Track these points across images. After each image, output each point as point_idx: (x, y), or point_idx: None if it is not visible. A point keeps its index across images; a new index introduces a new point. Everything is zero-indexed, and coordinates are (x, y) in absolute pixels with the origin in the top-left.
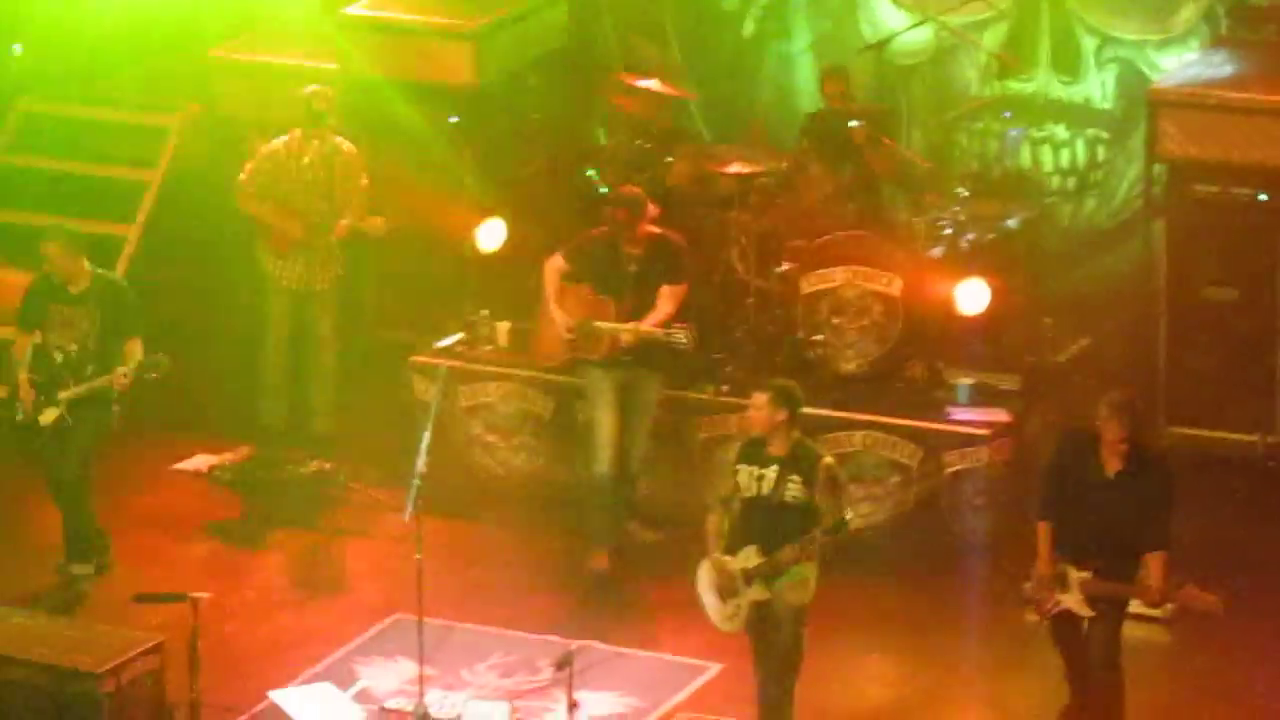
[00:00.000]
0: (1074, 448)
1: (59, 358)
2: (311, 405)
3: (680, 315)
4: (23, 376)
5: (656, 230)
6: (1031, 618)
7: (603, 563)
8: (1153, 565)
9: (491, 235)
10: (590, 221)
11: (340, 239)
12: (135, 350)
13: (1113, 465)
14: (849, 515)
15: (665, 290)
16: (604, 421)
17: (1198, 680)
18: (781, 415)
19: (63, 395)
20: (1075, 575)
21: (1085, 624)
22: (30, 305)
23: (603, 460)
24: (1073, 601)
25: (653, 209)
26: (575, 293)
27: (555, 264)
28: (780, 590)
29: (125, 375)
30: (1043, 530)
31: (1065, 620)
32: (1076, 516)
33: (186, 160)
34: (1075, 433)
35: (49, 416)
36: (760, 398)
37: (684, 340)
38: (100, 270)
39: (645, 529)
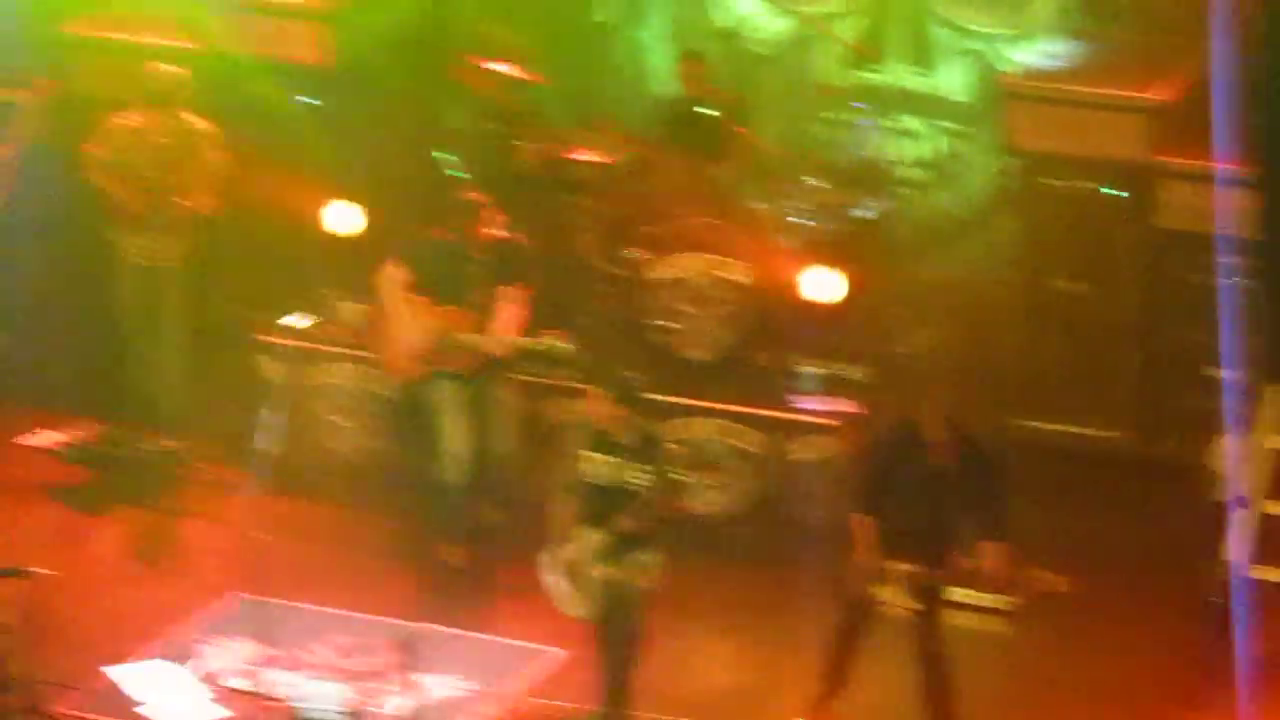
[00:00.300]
0: (898, 440)
1: None
2: (160, 378)
3: (528, 306)
4: None
5: (500, 232)
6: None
7: (455, 555)
8: (990, 553)
9: (340, 218)
10: (442, 205)
11: (188, 215)
12: None
13: (937, 458)
14: (678, 478)
15: (510, 293)
16: (454, 433)
17: (1038, 672)
18: (620, 411)
19: None
20: (899, 569)
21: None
22: None
23: (451, 470)
24: (892, 596)
25: (497, 213)
26: (418, 303)
27: (391, 273)
28: (623, 574)
29: None
30: (863, 524)
31: (860, 615)
32: (900, 509)
33: (38, 136)
34: (898, 425)
35: None
36: (596, 393)
37: (563, 350)
38: None
39: (493, 509)
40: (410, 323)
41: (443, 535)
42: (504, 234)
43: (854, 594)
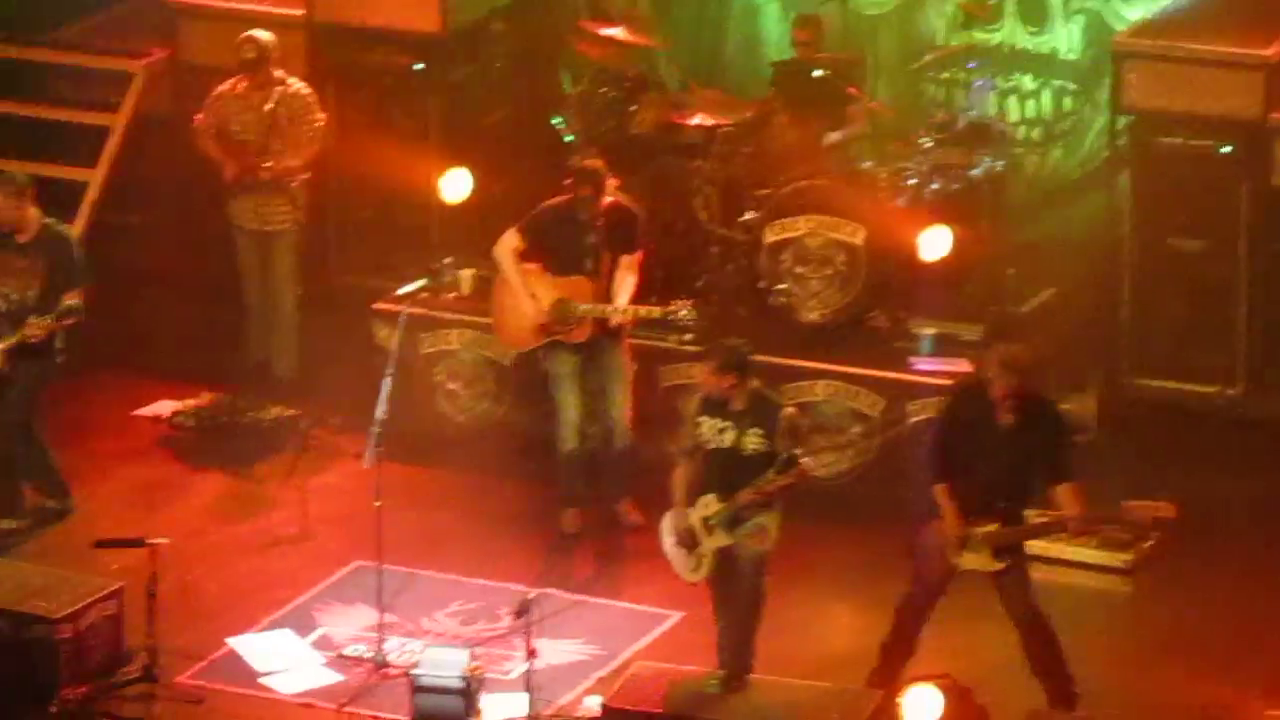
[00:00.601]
0: (966, 404)
1: (1, 306)
2: (272, 347)
3: (644, 271)
4: None
5: (614, 199)
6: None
7: (574, 523)
8: (1065, 496)
9: (455, 185)
10: (557, 171)
11: (293, 178)
12: (73, 300)
13: (1006, 418)
14: (799, 452)
15: (625, 260)
16: (568, 403)
17: (1158, 632)
18: (729, 380)
19: (0, 346)
20: (980, 531)
21: (994, 579)
22: None
23: (568, 439)
24: (977, 561)
25: (613, 180)
26: (536, 272)
27: (510, 242)
28: (741, 538)
29: (37, 326)
30: (943, 491)
31: (937, 585)
32: (974, 472)
33: (152, 105)
34: (965, 389)
35: None
36: (705, 367)
37: (689, 317)
38: (50, 220)
39: (634, 510)
40: (528, 292)
41: (563, 500)
42: (621, 200)
43: (936, 563)
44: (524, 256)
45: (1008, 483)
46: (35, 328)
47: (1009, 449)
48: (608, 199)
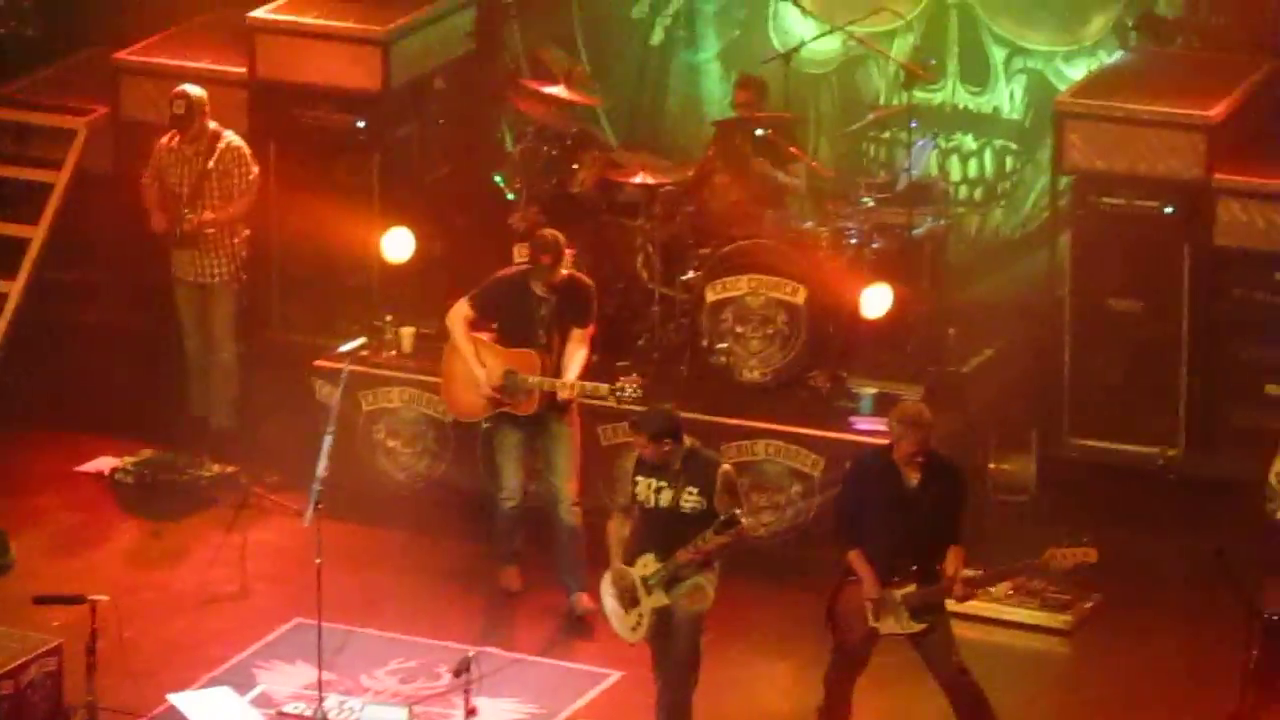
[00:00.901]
0: (870, 470)
1: None
2: (211, 401)
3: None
4: None
5: (567, 272)
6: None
7: (514, 581)
8: (952, 557)
9: (397, 244)
10: (499, 229)
11: (228, 229)
12: None
13: (913, 477)
14: (739, 512)
15: (576, 334)
16: (508, 470)
17: (1097, 692)
18: (665, 445)
19: None
20: (896, 594)
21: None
22: None
23: (509, 499)
24: (895, 624)
25: (569, 250)
26: (486, 343)
27: (461, 311)
28: (678, 597)
29: None
30: (858, 556)
31: (861, 650)
32: (884, 535)
33: (93, 161)
34: (867, 456)
35: None
36: (638, 437)
37: (635, 395)
38: None
39: (591, 601)
40: (478, 362)
41: (501, 559)
42: (576, 274)
43: (856, 629)
44: (475, 326)
45: (918, 543)
46: None
47: (915, 509)
48: (564, 271)
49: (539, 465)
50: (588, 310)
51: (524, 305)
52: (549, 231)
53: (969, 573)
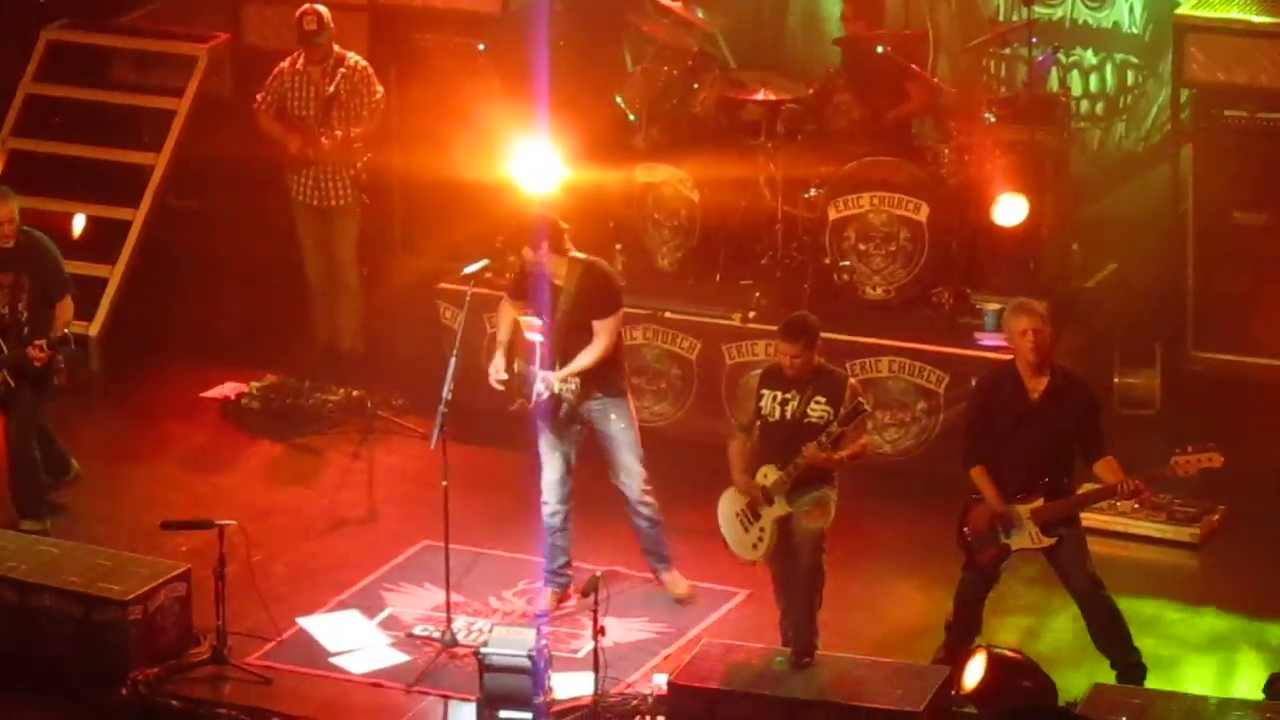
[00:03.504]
0: (994, 385)
1: None
2: (336, 325)
3: (711, 251)
4: None
5: (581, 256)
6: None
7: (550, 602)
8: (1109, 467)
9: (525, 163)
10: (616, 149)
11: (348, 153)
12: (65, 310)
13: (1036, 389)
14: (863, 401)
15: (596, 326)
16: (547, 464)
17: (1225, 604)
18: (797, 348)
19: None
20: (1025, 509)
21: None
22: None
23: (547, 501)
24: (1026, 539)
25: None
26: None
27: (506, 309)
28: (800, 514)
29: (41, 350)
30: (980, 473)
31: (993, 562)
32: (1011, 451)
33: (213, 88)
34: (993, 373)
35: None
36: (791, 347)
37: (569, 390)
38: (25, 228)
39: (681, 580)
40: (499, 356)
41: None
42: (596, 261)
43: (986, 546)
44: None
45: (1046, 457)
46: (40, 350)
47: (1041, 422)
48: (574, 255)
49: (608, 463)
50: (605, 300)
51: (543, 293)
52: (531, 216)
53: (1091, 485)
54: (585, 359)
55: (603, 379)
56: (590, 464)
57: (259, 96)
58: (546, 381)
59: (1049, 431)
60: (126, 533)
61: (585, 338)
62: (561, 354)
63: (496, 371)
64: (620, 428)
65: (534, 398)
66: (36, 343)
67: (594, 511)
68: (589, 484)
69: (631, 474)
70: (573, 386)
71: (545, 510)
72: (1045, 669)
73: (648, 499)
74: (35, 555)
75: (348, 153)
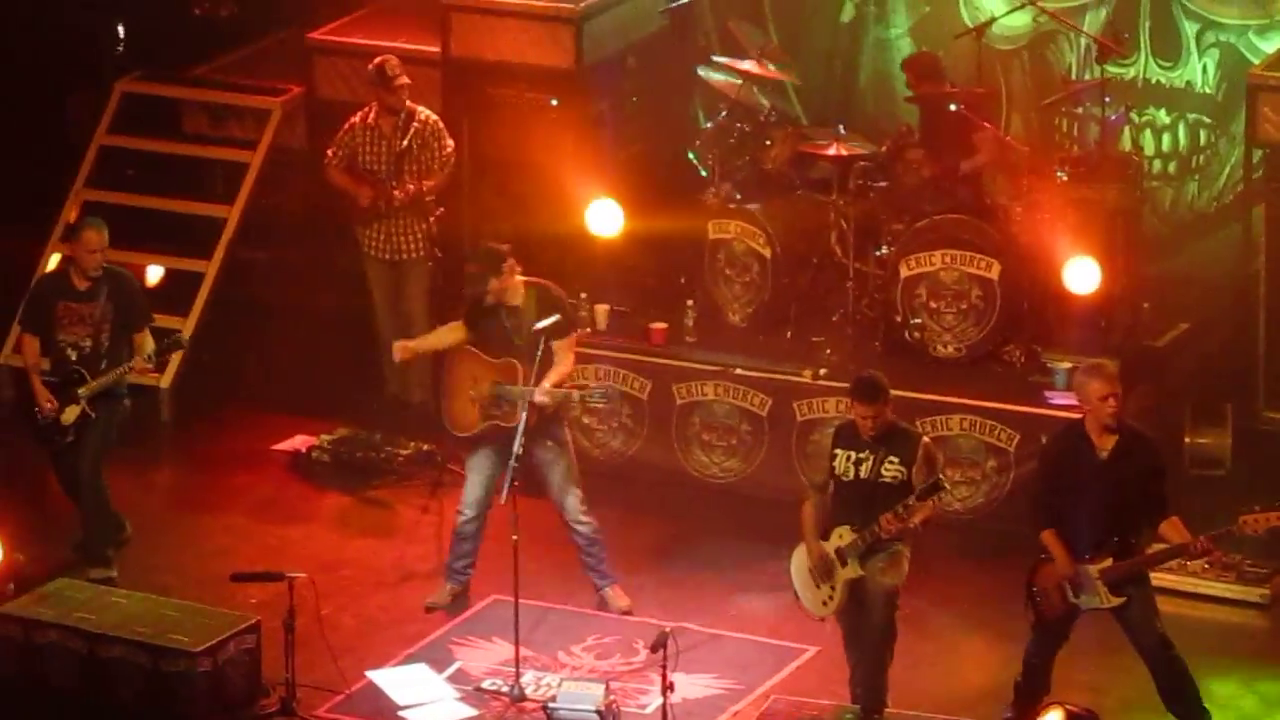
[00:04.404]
0: (1063, 445)
1: (73, 355)
2: (405, 378)
3: (778, 306)
4: (36, 379)
5: (529, 279)
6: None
7: (443, 597)
8: (1174, 527)
9: (604, 217)
10: (688, 204)
11: (421, 207)
12: (145, 343)
13: (1106, 446)
14: (943, 477)
15: (556, 346)
16: (472, 484)
17: None
18: (869, 408)
19: (82, 391)
20: (1093, 569)
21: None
22: (37, 306)
23: (462, 513)
24: (1095, 599)
25: (513, 263)
26: (476, 356)
27: (453, 329)
28: (873, 571)
29: (147, 360)
30: (1050, 536)
31: (1063, 621)
32: (1082, 508)
33: (285, 140)
34: (1059, 433)
35: (71, 415)
36: (866, 409)
37: (602, 401)
38: (107, 263)
39: (622, 595)
40: (469, 376)
41: (446, 573)
42: (544, 283)
43: (1055, 606)
44: (472, 344)
45: (1114, 515)
46: (146, 361)
47: (1110, 481)
48: (523, 278)
49: (544, 486)
50: (560, 320)
51: (493, 317)
52: (489, 244)
53: (1160, 545)
54: (557, 374)
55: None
56: (655, 518)
57: (329, 152)
58: (545, 392)
59: (1118, 491)
60: (196, 583)
61: (546, 353)
62: (539, 368)
63: (479, 390)
64: (555, 452)
65: (519, 413)
66: (137, 359)
67: (663, 564)
68: (658, 537)
69: (566, 493)
70: (599, 393)
71: (461, 519)
72: None
73: (584, 517)
74: (105, 606)
75: (419, 206)
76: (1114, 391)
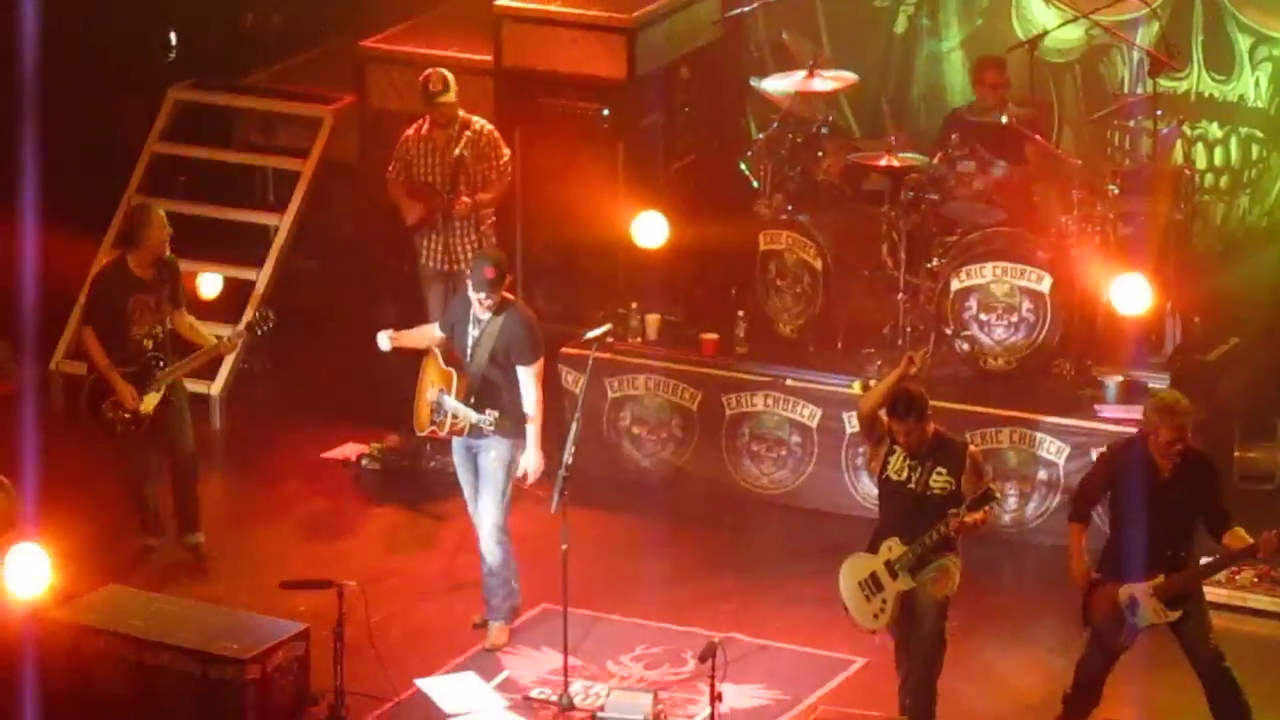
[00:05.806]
0: (1126, 459)
1: (149, 344)
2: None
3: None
4: (115, 375)
5: (507, 297)
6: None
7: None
8: (1238, 537)
9: (650, 229)
10: (740, 215)
11: (474, 217)
12: (185, 320)
13: (1167, 466)
14: (994, 487)
15: (521, 373)
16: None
17: None
18: (929, 427)
19: (161, 378)
20: (1147, 586)
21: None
22: (107, 303)
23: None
24: (1152, 615)
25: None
26: (435, 359)
27: (431, 335)
28: (924, 582)
29: (238, 335)
30: (1076, 531)
31: (1119, 636)
32: (1140, 524)
33: (337, 150)
34: (1124, 445)
35: (151, 403)
36: (901, 425)
37: (490, 424)
38: None
39: (503, 633)
40: (425, 377)
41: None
42: (516, 302)
43: (1111, 621)
44: (443, 347)
45: (1172, 534)
46: (236, 337)
47: (1170, 502)
48: (505, 295)
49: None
50: (523, 345)
51: (464, 324)
52: (487, 253)
53: (1206, 559)
54: (533, 411)
55: (506, 415)
56: (704, 527)
57: (390, 167)
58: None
59: (1178, 508)
60: (245, 591)
61: (498, 374)
62: (479, 386)
63: (389, 338)
64: (495, 467)
65: (445, 425)
66: (226, 336)
67: (712, 573)
68: (707, 548)
69: (487, 513)
70: (490, 419)
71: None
72: None
73: (494, 545)
74: (153, 613)
75: (475, 215)
76: (1181, 440)
